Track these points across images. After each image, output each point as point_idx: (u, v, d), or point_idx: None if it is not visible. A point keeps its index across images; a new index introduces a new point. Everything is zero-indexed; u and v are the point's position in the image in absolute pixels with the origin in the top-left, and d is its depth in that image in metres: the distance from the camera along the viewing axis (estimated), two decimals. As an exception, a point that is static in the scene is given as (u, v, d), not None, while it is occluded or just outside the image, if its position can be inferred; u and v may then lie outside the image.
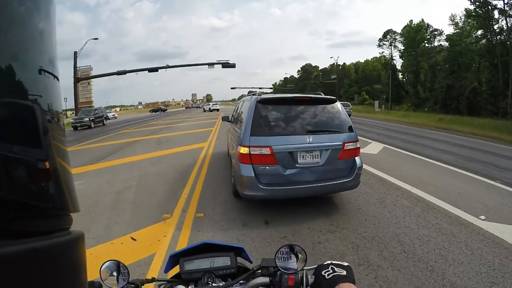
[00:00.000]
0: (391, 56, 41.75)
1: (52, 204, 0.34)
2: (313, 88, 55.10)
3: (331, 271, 0.68)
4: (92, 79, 44.10)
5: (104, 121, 24.32)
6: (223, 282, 0.84)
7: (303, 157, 3.37)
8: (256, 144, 3.29)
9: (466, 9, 28.71)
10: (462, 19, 31.13)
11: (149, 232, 3.15)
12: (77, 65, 33.28)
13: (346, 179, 3.53)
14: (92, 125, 21.27)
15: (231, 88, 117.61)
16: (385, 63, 43.47)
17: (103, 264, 0.76)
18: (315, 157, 3.41)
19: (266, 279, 0.81)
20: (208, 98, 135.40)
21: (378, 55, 46.76)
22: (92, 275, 0.53)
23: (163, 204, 3.96)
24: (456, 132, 14.73)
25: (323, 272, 0.69)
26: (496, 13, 25.85)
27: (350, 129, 3.66)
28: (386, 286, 2.21)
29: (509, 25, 24.94)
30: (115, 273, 0.76)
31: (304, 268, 0.76)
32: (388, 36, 41.66)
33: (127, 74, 32.84)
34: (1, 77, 0.28)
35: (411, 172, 5.64)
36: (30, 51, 0.32)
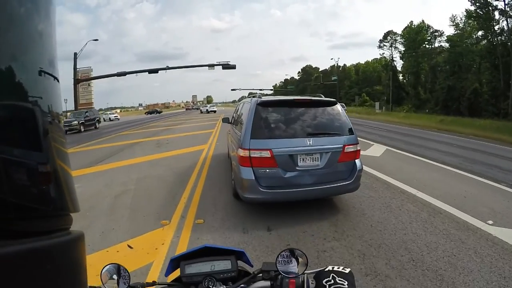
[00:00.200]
0: (392, 57, 41.68)
1: (52, 205, 0.34)
2: (313, 89, 55.04)
3: (332, 281, 0.68)
4: (92, 80, 44.11)
5: (97, 124, 22.55)
6: (224, 286, 0.84)
7: (303, 160, 3.37)
8: (256, 147, 3.28)
9: (466, 10, 28.72)
10: (463, 20, 31.07)
11: (146, 239, 3.05)
12: (78, 66, 33.30)
13: (346, 181, 3.51)
14: (82, 129, 19.27)
15: (232, 90, 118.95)
16: (386, 64, 43.40)
17: (103, 268, 0.76)
18: (315, 160, 3.41)
19: (267, 283, 0.81)
20: (209, 100, 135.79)
21: (378, 56, 46.71)
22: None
23: (162, 209, 3.86)
24: (457, 134, 14.63)
25: (324, 282, 0.69)
26: (496, 13, 25.82)
27: (350, 131, 3.65)
28: (395, 298, 2.11)
29: (509, 25, 24.91)
30: (115, 276, 0.76)
31: (305, 272, 0.77)
32: (389, 37, 41.57)
33: (128, 75, 32.80)
34: (0, 79, 0.28)
35: (415, 175, 5.54)
36: (30, 52, 0.32)
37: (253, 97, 3.89)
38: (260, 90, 61.54)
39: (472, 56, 30.40)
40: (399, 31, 40.62)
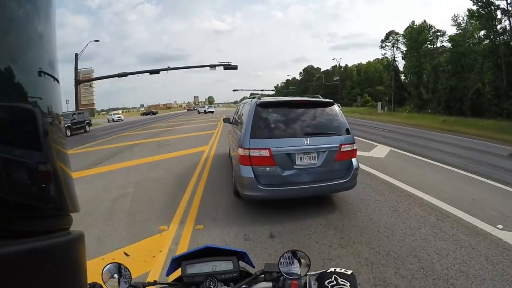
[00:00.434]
0: (394, 57, 41.52)
1: (52, 204, 0.34)
2: (315, 90, 54.73)
3: (334, 282, 0.69)
4: (94, 81, 44.20)
5: (87, 127, 20.45)
6: (225, 287, 0.84)
7: (301, 158, 3.47)
8: (256, 146, 3.39)
9: (468, 9, 28.52)
10: (465, 20, 30.87)
11: (143, 246, 2.93)
12: (79, 67, 33.31)
13: (343, 180, 3.62)
14: (69, 133, 17.10)
15: (233, 90, 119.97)
16: (388, 64, 43.27)
17: (104, 267, 0.76)
18: (313, 159, 3.51)
19: (269, 284, 0.80)
20: (210, 100, 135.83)
21: (380, 57, 46.62)
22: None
23: (160, 214, 3.75)
24: (461, 134, 14.53)
25: (326, 283, 0.69)
26: (499, 13, 25.61)
27: (347, 131, 3.75)
28: (406, 311, 1.99)
29: (512, 25, 24.71)
30: (116, 275, 0.76)
31: (308, 273, 0.76)
32: (391, 38, 41.43)
33: (129, 76, 32.56)
34: (0, 79, 0.28)
35: (421, 177, 5.42)
36: (30, 53, 0.32)
37: (253, 98, 3.95)
38: (262, 90, 61.58)
39: (475, 56, 30.20)
40: (401, 31, 40.55)
